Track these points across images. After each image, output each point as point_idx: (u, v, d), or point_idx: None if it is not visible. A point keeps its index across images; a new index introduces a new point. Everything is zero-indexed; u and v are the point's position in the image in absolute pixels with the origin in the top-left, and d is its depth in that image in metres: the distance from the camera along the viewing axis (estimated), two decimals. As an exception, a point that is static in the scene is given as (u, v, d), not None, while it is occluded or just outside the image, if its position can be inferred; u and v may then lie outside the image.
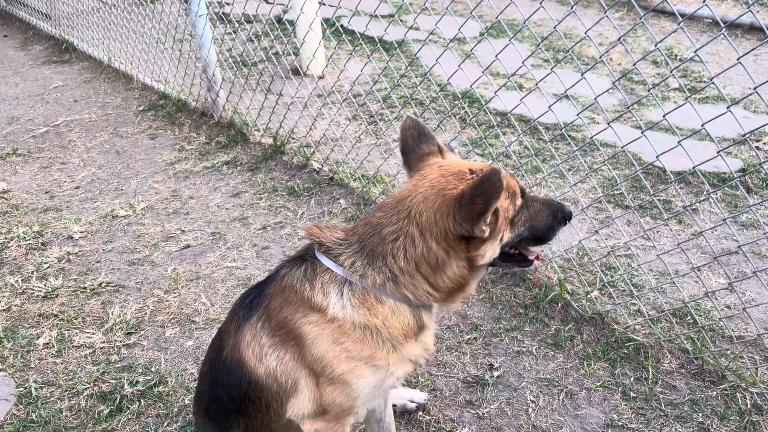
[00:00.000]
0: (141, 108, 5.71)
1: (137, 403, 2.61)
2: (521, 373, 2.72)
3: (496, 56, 3.01)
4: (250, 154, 4.73)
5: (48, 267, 3.54)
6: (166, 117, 5.45)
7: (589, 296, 3.04)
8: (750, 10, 2.19)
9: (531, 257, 1.82)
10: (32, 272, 3.48)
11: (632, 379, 2.64)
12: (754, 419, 2.43)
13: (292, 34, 5.72)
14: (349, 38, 5.71)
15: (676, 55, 6.01)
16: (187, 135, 5.13)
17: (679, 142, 2.52)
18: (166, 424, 2.53)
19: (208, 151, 4.83)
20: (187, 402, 2.62)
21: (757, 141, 4.45)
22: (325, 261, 1.69)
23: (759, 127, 2.59)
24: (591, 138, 2.94)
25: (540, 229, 1.74)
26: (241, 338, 1.78)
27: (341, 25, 6.31)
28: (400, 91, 5.13)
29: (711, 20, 6.72)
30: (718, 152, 2.42)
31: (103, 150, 5.01)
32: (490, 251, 1.64)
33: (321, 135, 4.64)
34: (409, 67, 4.11)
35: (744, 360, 2.68)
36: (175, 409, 2.60)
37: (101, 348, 2.92)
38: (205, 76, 5.08)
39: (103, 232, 3.88)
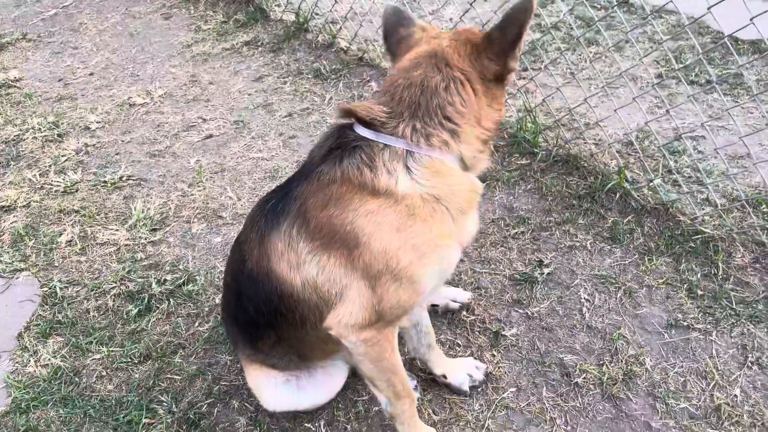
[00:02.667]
0: (152, -15, 5.26)
1: (166, 302, 2.49)
2: (574, 269, 2.49)
3: None
4: (272, 33, 4.33)
5: (66, 160, 3.35)
6: (179, -6, 5.01)
7: (651, 184, 2.73)
8: None
9: None
10: (50, 166, 3.30)
11: (699, 275, 2.39)
12: (838, 319, 2.19)
13: None
14: None
15: None
16: (204, 13, 4.72)
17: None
18: (197, 324, 2.42)
19: (226, 31, 4.44)
20: (217, 301, 2.49)
21: None
22: (381, 138, 1.49)
23: None
24: (664, 5, 2.48)
25: None
26: (270, 248, 1.55)
27: None
28: (436, -44, 4.56)
29: None
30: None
31: (115, 32, 4.66)
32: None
33: (348, 9, 4.18)
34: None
35: (828, 254, 2.40)
36: (206, 309, 2.47)
37: (126, 245, 2.78)
38: (218, -55, 4.58)
39: (121, 122, 3.64)
